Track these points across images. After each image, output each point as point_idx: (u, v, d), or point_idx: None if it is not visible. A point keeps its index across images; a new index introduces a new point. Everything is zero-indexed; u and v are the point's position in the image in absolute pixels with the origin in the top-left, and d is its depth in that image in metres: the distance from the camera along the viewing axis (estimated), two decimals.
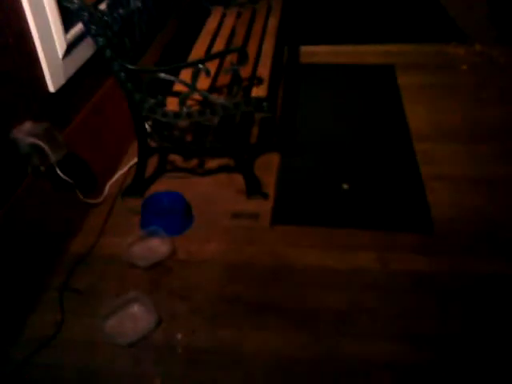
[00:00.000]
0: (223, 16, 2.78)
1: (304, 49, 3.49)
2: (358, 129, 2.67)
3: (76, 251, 1.99)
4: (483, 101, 2.82)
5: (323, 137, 2.63)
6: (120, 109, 2.18)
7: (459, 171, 2.32)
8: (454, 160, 2.39)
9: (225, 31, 2.57)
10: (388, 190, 2.24)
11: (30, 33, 1.74)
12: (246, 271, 1.88)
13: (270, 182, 2.30)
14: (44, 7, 1.78)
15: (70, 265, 1.92)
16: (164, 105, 2.00)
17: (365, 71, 3.20)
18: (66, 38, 1.91)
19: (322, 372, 1.55)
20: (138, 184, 2.26)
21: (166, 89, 2.09)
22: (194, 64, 1.86)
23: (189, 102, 1.97)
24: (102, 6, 2.00)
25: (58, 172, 1.80)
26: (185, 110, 1.96)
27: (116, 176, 2.35)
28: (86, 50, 2.08)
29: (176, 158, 2.44)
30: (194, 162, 2.43)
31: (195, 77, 1.88)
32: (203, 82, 2.02)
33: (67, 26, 1.93)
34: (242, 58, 1.90)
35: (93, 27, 1.87)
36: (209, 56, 2.22)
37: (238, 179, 2.24)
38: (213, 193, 2.26)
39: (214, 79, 2.13)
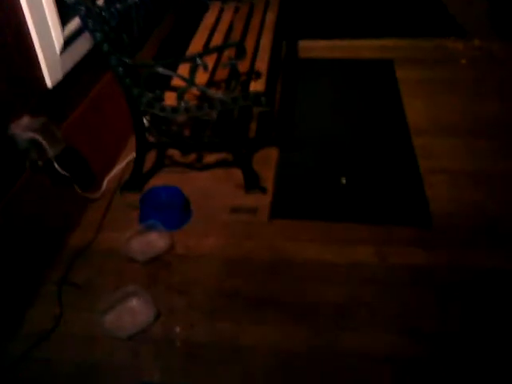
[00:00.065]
0: (221, 11, 2.77)
1: (302, 44, 3.48)
2: (356, 123, 2.67)
3: (74, 246, 1.99)
4: (482, 95, 2.81)
5: (322, 131, 2.63)
6: (118, 104, 2.18)
7: (458, 166, 2.32)
8: (453, 154, 2.39)
9: (223, 26, 2.56)
10: (386, 184, 2.24)
11: (28, 28, 1.74)
12: (245, 266, 1.88)
13: (268, 176, 2.30)
14: (41, 2, 1.77)
15: (69, 259, 1.92)
16: (162, 99, 1.99)
17: (363, 66, 3.20)
18: (63, 34, 1.91)
19: (321, 366, 1.55)
20: (136, 179, 2.26)
21: (164, 84, 2.08)
22: (192, 58, 1.86)
23: (187, 97, 1.97)
24: (100, 1, 2.00)
25: (56, 167, 1.79)
26: (183, 104, 1.95)
27: (114, 171, 2.35)
28: (83, 45, 2.07)
29: (174, 153, 2.44)
30: (193, 156, 2.42)
31: (193, 71, 1.88)
32: (201, 77, 2.02)
33: (64, 21, 1.92)
34: (240, 52, 1.90)
35: (90, 22, 1.87)
36: (207, 50, 2.21)
37: (237, 174, 2.24)
38: (211, 187, 2.26)
39: (212, 74, 2.13)
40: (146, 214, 2.08)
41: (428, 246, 1.92)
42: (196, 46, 2.38)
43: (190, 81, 1.89)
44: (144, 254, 1.92)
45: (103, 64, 1.97)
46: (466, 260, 1.85)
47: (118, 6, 2.01)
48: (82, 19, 1.87)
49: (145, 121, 2.13)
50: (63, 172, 1.83)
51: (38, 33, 1.76)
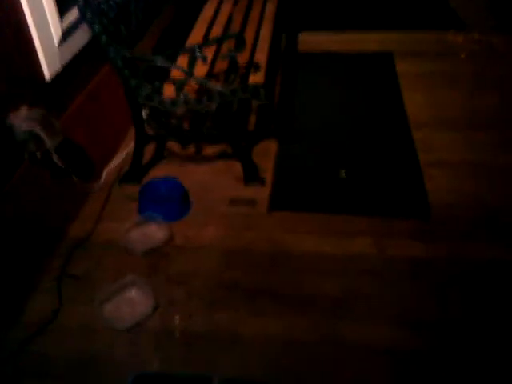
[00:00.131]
0: (220, 2, 2.76)
1: (302, 36, 3.47)
2: (356, 116, 2.67)
3: (74, 237, 1.99)
4: (482, 88, 2.81)
5: (321, 124, 2.62)
6: (117, 96, 2.17)
7: (457, 158, 2.32)
8: (452, 147, 2.38)
9: (222, 18, 2.55)
10: (386, 176, 2.24)
11: (26, 20, 1.73)
12: (244, 257, 1.89)
13: (267, 168, 2.30)
14: None
15: (68, 251, 1.92)
16: (161, 92, 1.99)
17: (363, 59, 3.19)
18: (61, 25, 1.90)
19: (320, 357, 1.55)
20: (135, 171, 2.26)
21: (163, 76, 2.08)
22: (191, 50, 1.86)
23: (186, 89, 1.96)
24: None
25: (55, 158, 1.79)
26: (182, 96, 1.95)
27: (113, 162, 2.35)
28: (81, 37, 2.07)
29: (173, 145, 2.44)
30: (192, 148, 2.42)
31: (192, 63, 1.88)
32: (200, 69, 2.02)
33: (62, 12, 1.91)
34: (240, 44, 1.90)
35: (88, 14, 1.86)
36: (206, 42, 2.21)
37: (236, 166, 2.24)
38: (210, 179, 2.26)
39: (211, 66, 2.12)
40: (145, 206, 2.08)
41: (427, 238, 1.92)
42: (195, 37, 2.37)
43: (189, 73, 1.89)
44: (143, 246, 1.93)
45: (102, 56, 1.96)
46: (466, 252, 1.85)
47: None
48: (81, 11, 1.87)
49: (144, 113, 2.13)
50: (62, 164, 1.83)
51: (36, 24, 1.75)
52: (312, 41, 3.42)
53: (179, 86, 1.93)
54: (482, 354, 1.53)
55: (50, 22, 1.83)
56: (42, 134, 1.70)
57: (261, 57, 2.18)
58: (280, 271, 1.83)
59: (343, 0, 3.96)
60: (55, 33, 1.87)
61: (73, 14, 1.98)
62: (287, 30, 3.43)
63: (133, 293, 1.73)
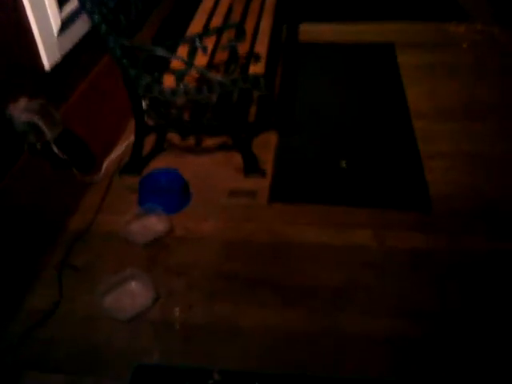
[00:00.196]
0: None
1: (303, 27, 3.45)
2: (356, 107, 2.66)
3: (74, 229, 1.99)
4: (483, 79, 2.80)
5: (322, 115, 2.61)
6: (117, 86, 2.16)
7: (458, 149, 2.31)
8: (453, 138, 2.38)
9: (222, 8, 2.54)
10: (386, 168, 2.23)
11: (25, 9, 1.72)
12: (244, 249, 1.89)
13: (267, 160, 2.29)
14: None
15: (68, 242, 1.92)
16: (161, 82, 1.98)
17: (364, 49, 3.17)
18: (60, 15, 1.88)
19: (320, 348, 1.56)
20: (135, 162, 2.26)
21: (163, 66, 2.07)
22: (191, 40, 1.85)
23: (186, 80, 1.95)
24: None
25: (55, 149, 1.79)
26: (182, 86, 1.94)
27: (113, 154, 2.35)
28: (81, 27, 2.05)
29: (174, 137, 2.43)
30: (192, 140, 2.42)
31: (192, 53, 1.86)
32: (200, 59, 2.01)
33: (62, 2, 1.90)
34: (240, 34, 1.88)
35: (88, 3, 1.85)
36: (206, 32, 2.19)
37: (236, 157, 2.24)
38: (210, 171, 2.26)
39: (212, 56, 2.11)
40: (145, 197, 2.08)
41: (427, 229, 1.92)
42: (195, 27, 2.35)
43: (189, 63, 1.88)
44: (143, 237, 1.93)
45: (102, 46, 1.95)
46: (466, 243, 1.85)
47: None
48: (80, 0, 1.85)
49: (144, 104, 2.12)
50: (62, 155, 1.83)
51: (34, 14, 1.74)
52: (313, 31, 3.40)
53: (179, 76, 1.92)
54: (481, 344, 1.54)
55: (49, 11, 1.82)
56: (42, 125, 1.69)
57: (261, 47, 2.17)
58: (280, 262, 1.83)
59: None
60: (54, 22, 1.85)
61: (72, 4, 1.96)
62: (288, 20, 3.41)
63: (133, 285, 1.73)
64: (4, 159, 1.66)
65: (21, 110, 1.68)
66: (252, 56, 2.10)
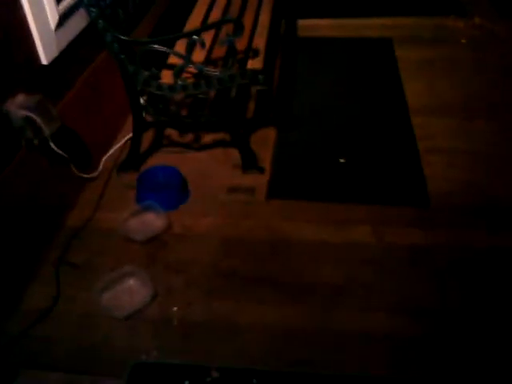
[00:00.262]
0: None
1: (302, 22, 3.43)
2: (355, 103, 2.65)
3: (72, 226, 1.98)
4: (482, 74, 2.79)
5: (320, 111, 2.61)
6: (115, 82, 2.15)
7: (456, 145, 2.30)
8: (451, 134, 2.37)
9: (220, 2, 2.52)
10: (384, 164, 2.23)
11: (22, 3, 1.70)
12: (242, 245, 1.88)
13: (266, 156, 2.28)
14: None
15: (66, 239, 1.91)
16: (159, 77, 1.97)
17: (362, 44, 3.16)
18: (58, 9, 1.86)
19: (319, 345, 1.55)
20: (133, 159, 2.25)
21: (161, 61, 2.05)
22: (189, 35, 1.83)
23: (184, 75, 1.94)
24: None
25: (52, 145, 1.78)
26: (180, 82, 1.93)
27: (111, 150, 2.33)
28: (79, 22, 2.04)
29: (172, 133, 2.42)
30: (190, 136, 2.40)
31: (190, 48, 1.85)
32: (198, 55, 1.99)
33: None
34: (238, 28, 1.86)
35: None
36: (204, 26, 2.18)
37: (234, 154, 2.22)
38: (209, 167, 2.25)
39: (210, 52, 2.10)
40: (143, 194, 2.07)
41: (426, 225, 1.92)
42: (193, 22, 2.34)
43: (187, 58, 1.87)
44: (142, 234, 1.92)
45: (100, 41, 1.93)
46: (465, 239, 1.85)
47: None
48: None
49: (142, 100, 2.11)
50: (59, 151, 1.82)
51: (32, 8, 1.72)
52: (311, 26, 3.38)
53: (177, 71, 1.91)
54: (481, 341, 1.54)
55: (46, 5, 1.80)
56: (39, 121, 1.68)
57: (259, 42, 2.16)
58: (279, 259, 1.82)
59: None
60: (52, 17, 1.83)
61: None
62: (286, 15, 3.40)
63: (131, 282, 1.73)
64: (1, 155, 1.65)
65: (18, 106, 1.67)
66: (250, 51, 2.09)
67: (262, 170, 2.21)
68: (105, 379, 1.49)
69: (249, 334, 1.59)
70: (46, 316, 1.66)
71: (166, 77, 1.97)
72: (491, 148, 2.27)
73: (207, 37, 2.11)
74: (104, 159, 2.28)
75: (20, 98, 1.69)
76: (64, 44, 1.94)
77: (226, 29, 2.11)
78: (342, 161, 2.24)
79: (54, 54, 1.88)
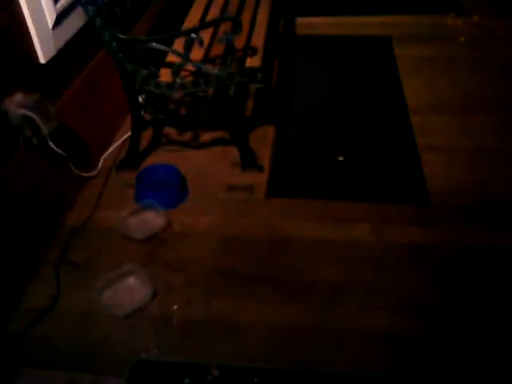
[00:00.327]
0: None
1: (300, 20, 3.43)
2: (354, 101, 2.65)
3: (71, 225, 1.98)
4: (481, 72, 2.79)
5: (319, 109, 2.60)
6: (114, 81, 2.14)
7: (456, 143, 2.30)
8: (451, 132, 2.37)
9: (218, 0, 2.51)
10: (384, 161, 2.23)
11: (19, 2, 1.70)
12: (241, 244, 1.88)
13: (265, 154, 2.28)
14: None
15: (66, 238, 1.91)
16: (157, 76, 1.96)
17: (361, 43, 3.16)
18: (55, 8, 1.86)
19: (319, 344, 1.55)
20: (132, 157, 2.24)
21: (160, 60, 2.05)
22: (187, 33, 1.83)
23: (182, 73, 1.94)
24: None
25: (51, 144, 1.77)
26: (178, 80, 1.93)
27: (110, 149, 2.33)
28: (76, 21, 2.03)
29: (171, 131, 2.42)
30: (189, 134, 2.40)
31: (188, 47, 1.85)
32: (197, 53, 1.99)
33: None
34: (236, 26, 1.86)
35: None
36: (202, 24, 2.18)
37: (233, 152, 2.22)
38: (208, 166, 2.24)
39: (208, 50, 2.10)
40: (143, 192, 2.06)
41: (426, 223, 1.91)
42: (191, 20, 2.33)
43: (186, 56, 1.86)
44: (141, 233, 1.92)
45: (98, 40, 1.93)
46: (465, 237, 1.85)
47: None
48: None
49: (140, 98, 2.10)
50: (58, 150, 1.81)
51: (29, 7, 1.72)
52: (310, 24, 3.38)
53: (175, 70, 1.91)
54: (481, 340, 1.54)
55: (43, 4, 1.79)
56: (37, 120, 1.67)
57: (258, 40, 2.15)
58: (278, 258, 1.82)
59: None
60: (49, 15, 1.83)
61: None
62: (285, 13, 3.39)
63: (131, 280, 1.72)
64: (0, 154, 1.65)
65: (16, 105, 1.66)
66: (249, 49, 2.09)
67: (260, 169, 2.20)
68: (105, 377, 1.49)
69: (248, 332, 1.59)
70: (45, 315, 1.65)
71: (165, 75, 1.97)
72: (491, 146, 2.27)
73: (205, 35, 2.11)
74: (103, 158, 2.27)
75: (18, 97, 1.68)
76: (62, 43, 1.94)
77: (225, 27, 2.11)
78: (341, 159, 2.24)
79: (52, 52, 1.87)
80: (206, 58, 2.05)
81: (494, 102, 2.55)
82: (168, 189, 2.08)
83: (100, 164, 2.24)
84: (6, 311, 1.66)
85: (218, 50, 2.10)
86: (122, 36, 1.89)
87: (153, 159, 2.29)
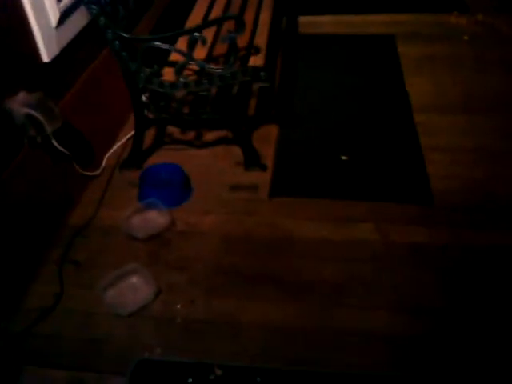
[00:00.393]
0: None
1: (303, 19, 3.42)
2: (357, 99, 2.64)
3: (75, 224, 1.98)
4: (485, 71, 2.78)
5: (322, 108, 2.60)
6: (117, 80, 2.14)
7: (459, 143, 2.29)
8: (454, 131, 2.36)
9: (221, 0, 2.51)
10: (387, 161, 2.22)
11: (22, 1, 1.70)
12: (244, 243, 1.88)
13: (268, 153, 2.28)
14: None
15: (69, 237, 1.92)
16: (160, 75, 1.96)
17: (365, 41, 3.15)
18: (58, 7, 1.86)
19: (320, 343, 1.55)
20: (135, 156, 2.24)
21: (163, 59, 2.05)
22: (190, 32, 1.83)
23: (185, 72, 1.94)
24: None
25: (54, 143, 1.78)
26: (181, 79, 1.93)
27: (114, 148, 2.34)
28: (80, 20, 2.03)
29: (174, 130, 2.42)
30: (192, 134, 2.40)
31: (191, 46, 1.85)
32: (200, 52, 1.99)
33: None
34: (239, 25, 1.86)
35: None
36: (205, 23, 2.17)
37: (236, 151, 2.22)
38: (211, 165, 2.24)
39: (211, 49, 2.10)
40: (146, 191, 2.07)
41: (429, 223, 1.91)
42: (195, 19, 2.33)
43: (189, 55, 1.86)
44: (144, 232, 1.92)
45: (101, 39, 1.93)
46: (467, 237, 1.84)
47: None
48: None
49: (143, 97, 2.11)
50: (61, 149, 1.82)
51: (32, 6, 1.72)
52: (313, 23, 3.37)
53: (179, 69, 1.91)
54: (481, 340, 1.53)
55: (46, 3, 1.79)
56: (41, 118, 1.68)
57: (261, 39, 2.15)
58: (280, 257, 1.82)
59: None
60: (52, 14, 1.83)
61: None
62: (287, 12, 3.39)
63: (134, 279, 1.73)
64: (4, 153, 1.65)
65: (19, 103, 1.67)
66: (252, 48, 2.09)
67: (264, 168, 2.20)
68: (108, 376, 1.50)
69: (250, 331, 1.59)
70: (49, 314, 1.66)
71: (168, 74, 1.97)
72: (494, 145, 2.26)
73: (209, 34, 2.11)
74: (106, 157, 2.28)
75: (21, 96, 1.69)
76: (65, 42, 1.94)
77: (228, 26, 2.11)
78: (344, 158, 2.24)
79: (55, 51, 1.88)
80: (209, 57, 2.05)
81: (496, 101, 2.52)
82: (171, 188, 2.08)
83: (103, 163, 2.24)
84: (10, 310, 1.66)
85: (221, 49, 2.10)
86: (125, 35, 1.89)
87: (156, 158, 2.29)
